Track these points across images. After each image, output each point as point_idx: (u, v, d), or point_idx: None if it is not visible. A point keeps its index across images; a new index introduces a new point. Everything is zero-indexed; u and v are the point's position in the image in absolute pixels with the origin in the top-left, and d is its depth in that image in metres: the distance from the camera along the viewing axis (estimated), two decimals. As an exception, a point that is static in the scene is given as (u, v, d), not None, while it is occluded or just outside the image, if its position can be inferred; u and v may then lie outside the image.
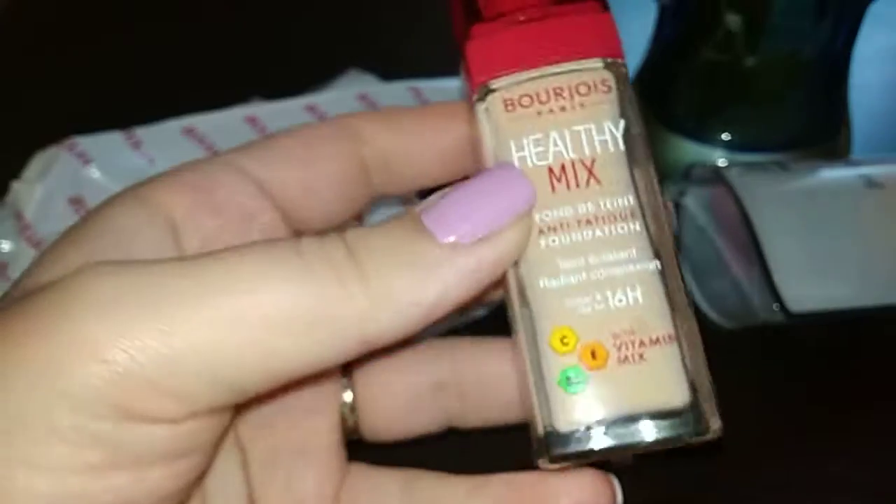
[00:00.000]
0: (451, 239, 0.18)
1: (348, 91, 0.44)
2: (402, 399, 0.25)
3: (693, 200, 0.40)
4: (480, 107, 0.20)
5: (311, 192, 0.22)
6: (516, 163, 0.20)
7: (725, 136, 0.43)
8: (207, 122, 0.40)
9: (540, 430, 0.19)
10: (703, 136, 0.44)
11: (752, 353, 0.39)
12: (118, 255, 0.19)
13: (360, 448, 0.25)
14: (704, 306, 0.40)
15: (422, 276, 0.18)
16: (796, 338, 0.39)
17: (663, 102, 0.45)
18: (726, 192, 0.38)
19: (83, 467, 0.16)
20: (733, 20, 0.41)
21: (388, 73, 0.46)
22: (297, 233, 0.23)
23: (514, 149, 0.20)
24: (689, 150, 0.44)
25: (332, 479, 0.23)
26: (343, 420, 0.24)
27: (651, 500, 0.34)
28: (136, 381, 0.16)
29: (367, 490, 0.23)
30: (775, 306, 0.35)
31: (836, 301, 0.36)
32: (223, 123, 0.40)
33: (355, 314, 0.17)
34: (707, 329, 0.41)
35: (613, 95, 0.19)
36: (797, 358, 0.39)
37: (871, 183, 0.38)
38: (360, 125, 0.23)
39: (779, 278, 0.35)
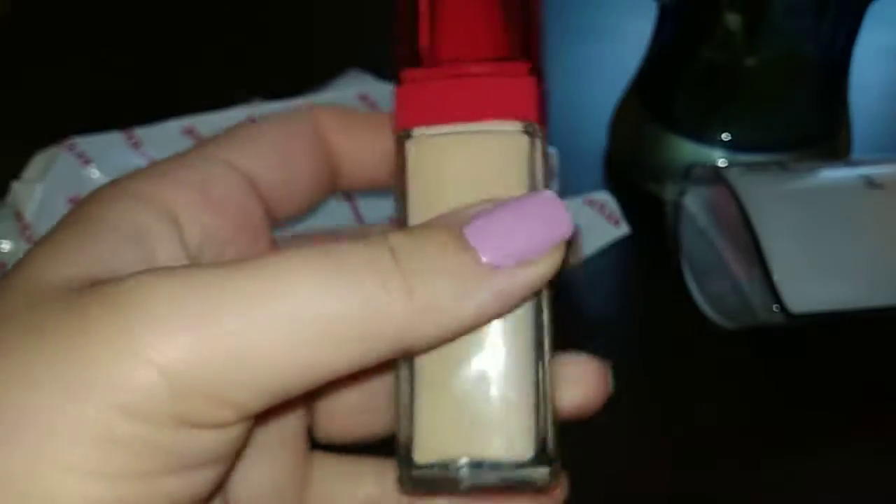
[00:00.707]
0: (493, 259, 0.18)
1: (348, 91, 0.44)
2: (357, 399, 0.24)
3: (693, 200, 0.40)
4: (397, 137, 0.21)
5: (291, 187, 0.22)
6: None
7: (725, 136, 0.43)
8: (207, 122, 0.40)
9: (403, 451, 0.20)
10: (703, 136, 0.44)
11: (752, 353, 0.39)
12: (139, 255, 0.19)
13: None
14: (704, 306, 0.40)
15: (464, 292, 0.18)
16: (796, 338, 0.39)
17: (663, 102, 0.45)
18: (726, 192, 0.38)
19: (138, 473, 0.17)
20: (733, 20, 0.41)
21: (388, 73, 0.46)
22: (273, 225, 0.23)
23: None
24: (689, 150, 0.44)
25: (297, 468, 0.23)
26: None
27: (653, 498, 0.34)
28: (195, 391, 0.16)
29: (340, 476, 0.24)
30: (775, 307, 0.35)
31: (836, 301, 0.36)
32: (223, 123, 0.40)
33: (398, 323, 0.18)
34: (707, 329, 0.41)
35: (523, 162, 0.20)
36: (797, 358, 0.39)
37: (871, 183, 0.38)
38: (322, 121, 0.23)
39: (779, 278, 0.35)
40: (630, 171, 0.46)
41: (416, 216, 0.20)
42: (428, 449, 0.19)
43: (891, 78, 0.55)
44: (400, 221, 0.21)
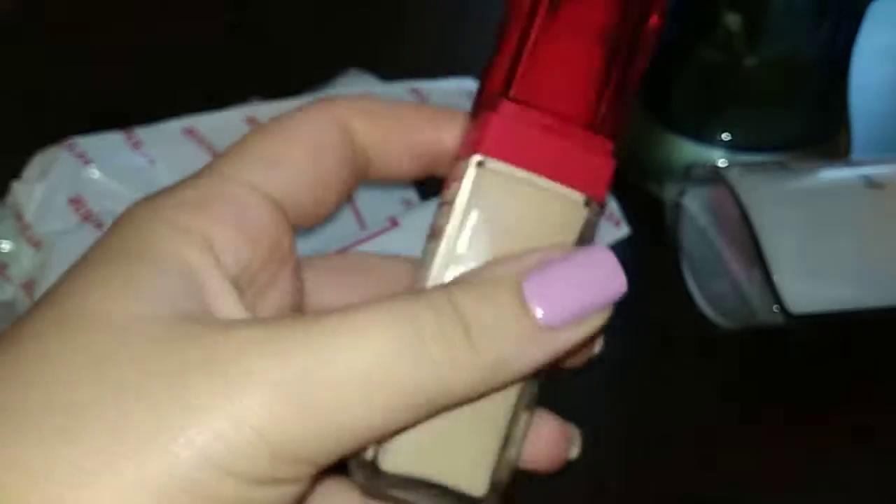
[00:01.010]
0: (551, 320, 0.19)
1: (348, 91, 0.44)
2: None
3: (693, 200, 0.40)
4: (473, 160, 0.21)
5: (320, 201, 0.22)
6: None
7: (725, 136, 0.43)
8: (207, 122, 0.40)
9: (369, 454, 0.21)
10: (703, 136, 0.44)
11: (752, 353, 0.39)
12: (190, 290, 0.19)
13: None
14: (704, 306, 0.40)
15: (523, 354, 0.19)
16: (796, 338, 0.39)
17: (663, 102, 0.45)
18: (726, 192, 0.37)
19: None
20: (733, 20, 0.41)
21: (388, 73, 0.46)
22: (296, 228, 0.22)
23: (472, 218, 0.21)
24: (689, 150, 0.44)
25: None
26: None
27: (652, 497, 0.34)
28: (289, 454, 0.17)
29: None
30: (775, 307, 0.35)
31: (836, 302, 0.36)
32: (223, 123, 0.40)
33: (461, 391, 0.18)
34: (707, 329, 0.41)
35: (577, 231, 0.21)
36: (797, 358, 0.39)
37: (871, 183, 0.38)
38: (347, 117, 0.22)
39: (779, 278, 0.35)
40: (630, 172, 0.46)
41: (462, 244, 0.21)
42: (395, 459, 0.20)
43: (891, 78, 0.55)
44: (437, 233, 0.21)
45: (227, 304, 0.19)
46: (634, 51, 0.23)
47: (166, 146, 0.39)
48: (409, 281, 0.23)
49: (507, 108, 0.22)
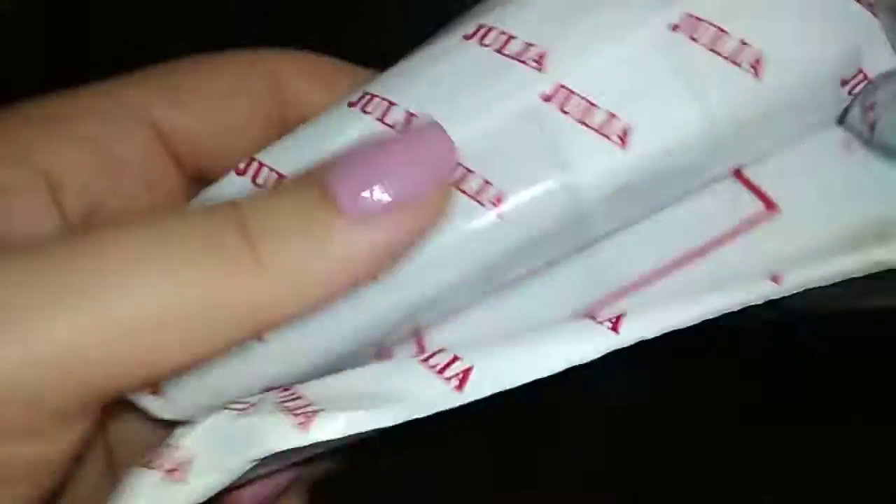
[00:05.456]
0: (361, 208, 0.15)
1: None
2: None
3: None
4: None
5: (224, 145, 0.20)
6: None
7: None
8: None
9: None
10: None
11: (752, 354, 0.39)
12: None
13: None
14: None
15: (325, 254, 0.15)
16: (796, 338, 0.39)
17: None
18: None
19: None
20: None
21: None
22: (195, 176, 0.21)
23: None
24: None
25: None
26: None
27: (651, 498, 0.34)
28: (12, 398, 0.15)
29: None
30: (774, 307, 0.35)
31: (836, 302, 0.36)
32: None
33: (250, 302, 0.15)
34: (707, 329, 0.41)
35: None
36: (797, 358, 0.39)
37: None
38: (284, 71, 0.21)
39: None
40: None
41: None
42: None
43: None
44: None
45: (36, 225, 0.18)
46: None
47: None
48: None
49: None
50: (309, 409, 0.17)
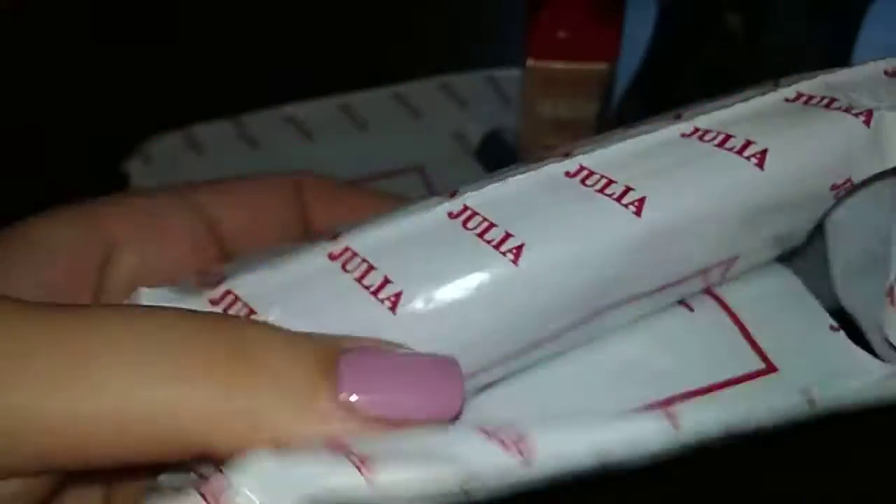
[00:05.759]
0: (352, 399, 0.16)
1: (382, 91, 0.48)
2: None
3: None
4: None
5: (255, 236, 0.23)
6: None
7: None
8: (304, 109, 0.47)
9: None
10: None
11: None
12: (31, 267, 0.19)
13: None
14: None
15: (305, 421, 0.16)
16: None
17: (663, 102, 0.45)
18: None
19: None
20: (733, 20, 0.41)
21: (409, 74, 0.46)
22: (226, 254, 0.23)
23: None
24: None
25: None
26: None
27: (650, 496, 0.34)
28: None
29: None
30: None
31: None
32: (320, 110, 0.47)
33: (202, 426, 0.15)
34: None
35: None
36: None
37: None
38: (306, 187, 0.24)
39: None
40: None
41: None
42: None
43: (891, 77, 0.55)
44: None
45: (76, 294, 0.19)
46: None
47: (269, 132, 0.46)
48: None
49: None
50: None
